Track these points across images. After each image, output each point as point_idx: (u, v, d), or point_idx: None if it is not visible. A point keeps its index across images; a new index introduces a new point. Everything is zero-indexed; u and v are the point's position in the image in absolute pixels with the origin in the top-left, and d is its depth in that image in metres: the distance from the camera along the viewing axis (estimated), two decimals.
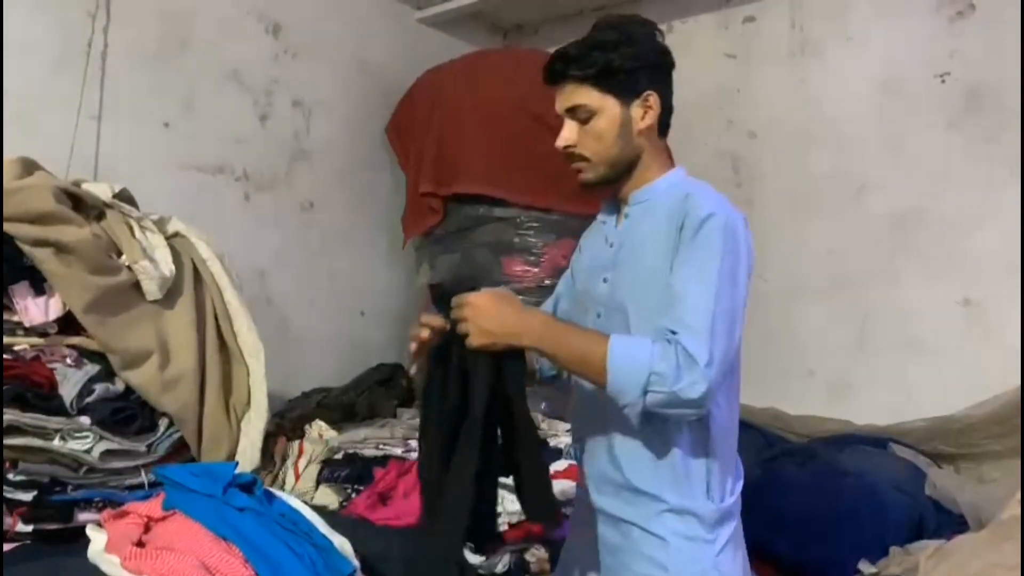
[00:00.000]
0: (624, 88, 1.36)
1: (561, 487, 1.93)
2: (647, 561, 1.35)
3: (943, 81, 2.82)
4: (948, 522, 2.32)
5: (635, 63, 1.36)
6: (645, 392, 1.22)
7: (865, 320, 2.92)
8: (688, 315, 1.25)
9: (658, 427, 1.33)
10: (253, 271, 2.91)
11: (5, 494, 1.66)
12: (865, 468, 2.50)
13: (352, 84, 3.33)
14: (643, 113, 1.37)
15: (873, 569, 2.15)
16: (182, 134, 2.76)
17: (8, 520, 1.66)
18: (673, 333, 1.24)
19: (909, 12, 2.89)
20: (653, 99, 1.38)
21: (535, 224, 2.96)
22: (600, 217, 1.54)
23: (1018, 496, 2.04)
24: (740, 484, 1.44)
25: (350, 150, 3.33)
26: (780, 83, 3.17)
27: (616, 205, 1.48)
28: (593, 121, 1.36)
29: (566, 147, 1.39)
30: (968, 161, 2.75)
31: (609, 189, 1.45)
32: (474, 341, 1.27)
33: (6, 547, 1.62)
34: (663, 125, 1.43)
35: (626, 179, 1.42)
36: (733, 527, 1.39)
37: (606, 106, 1.36)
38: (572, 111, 1.37)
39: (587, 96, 1.36)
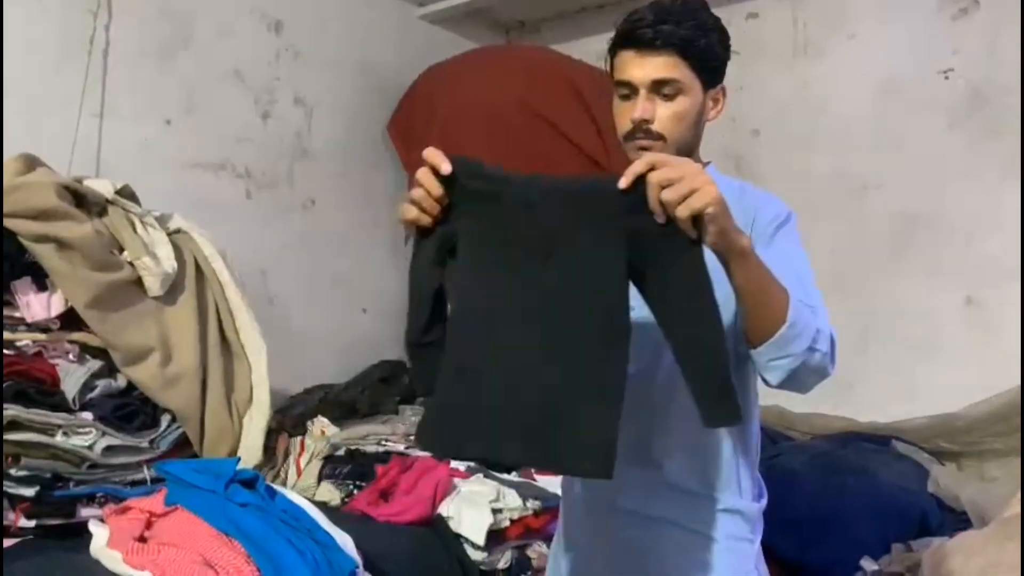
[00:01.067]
0: (711, 75, 1.29)
1: None
2: (689, 562, 1.28)
3: (946, 78, 2.81)
4: (951, 520, 2.32)
5: (725, 53, 1.31)
6: (811, 350, 1.12)
7: (868, 319, 2.92)
8: (812, 297, 1.19)
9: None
10: (255, 268, 2.91)
11: (7, 489, 1.67)
12: (867, 466, 2.50)
13: (354, 82, 3.32)
14: (714, 104, 1.32)
15: (875, 566, 2.14)
16: (184, 132, 2.76)
17: (11, 516, 1.66)
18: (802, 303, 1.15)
19: (912, 9, 2.88)
20: (724, 94, 1.33)
21: None
22: None
23: (1019, 494, 2.04)
24: None
25: (352, 148, 3.32)
26: (783, 81, 3.16)
27: None
28: (679, 99, 1.26)
29: (644, 120, 1.26)
30: (971, 160, 2.75)
31: None
32: (715, 196, 1.00)
33: (8, 543, 1.62)
34: None
35: None
36: (763, 527, 1.36)
37: (694, 87, 1.27)
38: (660, 84, 1.25)
39: (682, 72, 1.25)
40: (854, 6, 3.02)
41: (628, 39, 1.27)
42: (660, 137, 1.27)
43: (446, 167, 1.09)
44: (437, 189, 1.09)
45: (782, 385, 1.17)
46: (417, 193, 1.10)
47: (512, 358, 1.06)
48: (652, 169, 1.02)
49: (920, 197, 2.84)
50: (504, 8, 3.70)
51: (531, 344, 1.06)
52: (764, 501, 1.36)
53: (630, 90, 1.27)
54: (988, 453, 2.60)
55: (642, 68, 1.25)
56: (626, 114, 1.28)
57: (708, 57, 1.27)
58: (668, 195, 1.01)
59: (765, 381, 1.19)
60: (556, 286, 1.06)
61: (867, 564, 2.16)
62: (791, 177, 3.12)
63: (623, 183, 1.04)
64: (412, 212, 1.12)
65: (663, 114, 1.26)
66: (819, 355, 1.14)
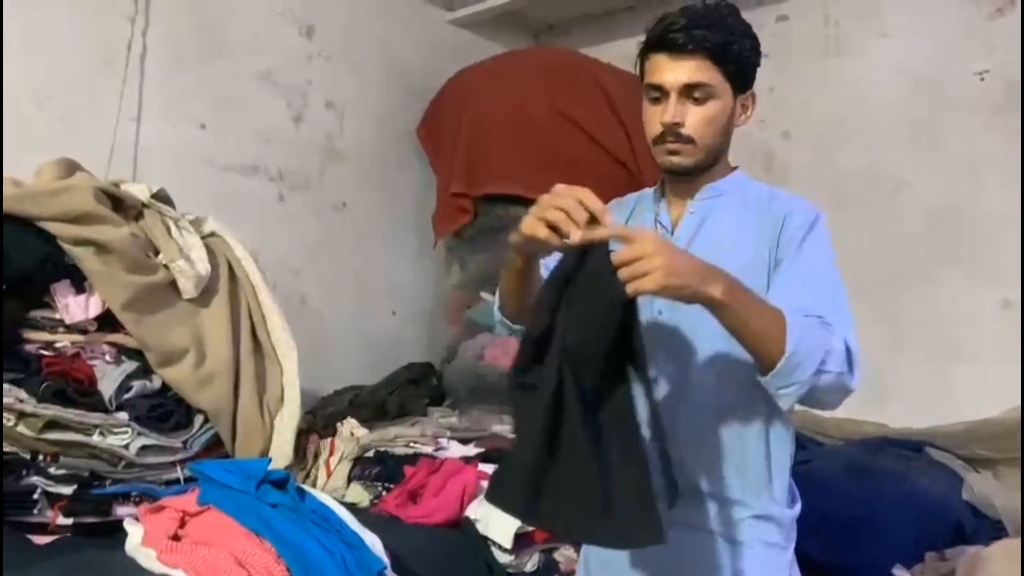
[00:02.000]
0: (742, 80, 1.30)
1: None
2: (722, 568, 1.29)
3: (982, 79, 2.76)
4: (986, 528, 2.27)
5: (756, 58, 1.31)
6: (820, 373, 1.13)
7: (901, 321, 2.87)
8: (833, 308, 1.19)
9: (755, 429, 1.29)
10: (287, 270, 2.95)
11: (47, 488, 1.71)
12: (901, 472, 2.46)
13: (384, 85, 3.35)
14: (744, 110, 1.33)
15: (908, 575, 2.11)
16: (218, 135, 2.81)
17: (48, 513, 1.70)
18: (821, 319, 1.16)
19: (946, 8, 2.84)
20: (753, 99, 1.34)
21: None
22: (641, 208, 1.43)
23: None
24: None
25: (382, 150, 3.35)
26: (814, 82, 3.13)
27: (658, 197, 1.41)
28: (710, 103, 1.27)
29: (675, 124, 1.27)
30: (1006, 159, 2.69)
31: (685, 179, 1.35)
32: (659, 282, 1.03)
33: (46, 540, 1.66)
34: None
35: (704, 171, 1.34)
36: (796, 532, 1.36)
37: (725, 92, 1.28)
38: (691, 87, 1.26)
39: (713, 76, 1.26)
40: (886, 5, 2.98)
41: (660, 42, 1.27)
42: (690, 140, 1.28)
43: (608, 224, 1.07)
44: (583, 220, 1.07)
45: (728, 422, 1.21)
46: (558, 216, 1.08)
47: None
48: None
49: (955, 198, 2.79)
50: (532, 11, 3.71)
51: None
52: (798, 507, 1.35)
53: (660, 93, 1.28)
54: None
55: (673, 72, 1.26)
56: (656, 117, 1.29)
57: (739, 62, 1.28)
58: (621, 274, 1.04)
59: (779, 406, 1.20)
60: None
61: (900, 572, 2.12)
62: (822, 177, 3.08)
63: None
64: (542, 231, 1.09)
65: (694, 118, 1.27)
66: (831, 376, 1.14)
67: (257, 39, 2.93)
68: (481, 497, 2.12)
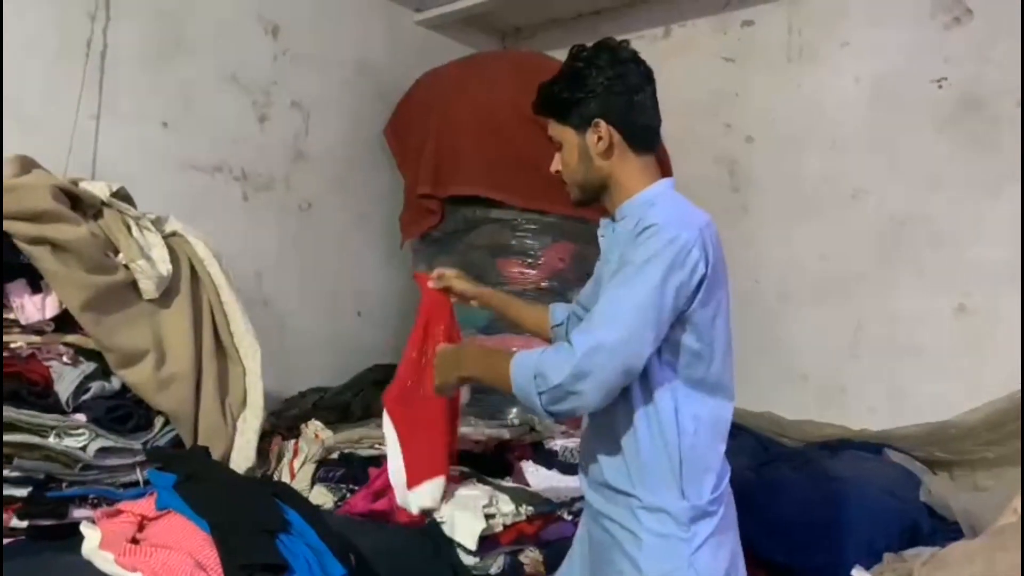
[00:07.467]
0: (576, 118, 1.46)
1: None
2: (623, 556, 1.41)
3: (940, 87, 2.83)
4: (943, 529, 2.32)
5: (580, 94, 1.45)
6: (539, 394, 1.31)
7: (859, 325, 2.93)
8: (592, 315, 1.34)
9: (627, 426, 1.40)
10: (251, 271, 2.91)
11: None
12: (859, 473, 2.49)
13: (351, 86, 3.34)
14: (596, 140, 1.45)
15: (867, 575, 2.15)
16: (181, 134, 2.77)
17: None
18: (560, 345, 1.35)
19: (905, 18, 2.89)
20: (603, 126, 1.45)
21: (532, 226, 2.96)
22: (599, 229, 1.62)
23: (1013, 504, 2.04)
24: (724, 483, 1.45)
25: (348, 151, 3.33)
26: (777, 87, 3.17)
27: (610, 217, 1.55)
28: (564, 149, 1.50)
29: (555, 172, 1.54)
30: (962, 167, 2.76)
31: (600, 205, 1.54)
32: (435, 385, 1.60)
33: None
34: (638, 142, 1.47)
35: (606, 197, 1.51)
36: (714, 524, 1.41)
37: (567, 136, 1.48)
38: (551, 140, 1.51)
39: (553, 128, 1.50)
40: (848, 13, 3.03)
41: None
42: (566, 181, 1.53)
43: None
44: None
45: (616, 418, 1.41)
46: None
47: None
48: None
49: (912, 203, 2.85)
50: (500, 14, 3.72)
51: None
52: (709, 498, 1.40)
53: None
54: (981, 462, 2.59)
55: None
56: None
57: (562, 107, 1.47)
58: None
59: None
60: None
61: (858, 572, 2.16)
62: (785, 183, 3.14)
63: None
64: None
65: (557, 164, 1.53)
66: (547, 395, 1.31)
67: (222, 37, 2.89)
68: (447, 499, 2.11)
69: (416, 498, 1.98)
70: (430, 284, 1.93)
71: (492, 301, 1.90)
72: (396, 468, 2.00)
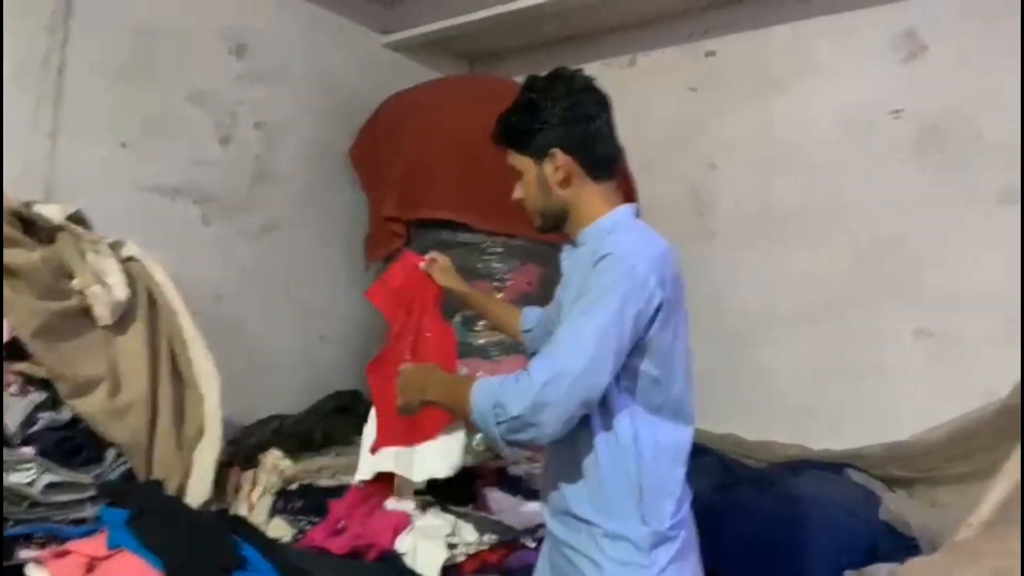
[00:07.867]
0: (533, 149, 1.47)
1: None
2: None
3: (897, 118, 2.89)
4: (901, 545, 2.34)
5: (536, 124, 1.46)
6: (498, 424, 1.30)
7: (824, 348, 2.96)
8: (552, 343, 1.33)
9: (587, 453, 1.40)
10: (211, 295, 2.85)
11: None
12: (821, 493, 2.52)
13: (316, 107, 3.30)
14: (554, 169, 1.46)
15: None
16: (140, 155, 2.71)
17: None
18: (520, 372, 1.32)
19: (865, 51, 2.96)
20: (560, 156, 1.45)
21: (499, 250, 2.95)
22: (562, 253, 1.62)
23: (968, 519, 2.07)
24: (684, 507, 1.45)
25: (313, 173, 3.30)
26: (742, 116, 3.22)
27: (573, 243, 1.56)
28: (524, 178, 1.51)
29: (518, 200, 1.54)
30: (923, 195, 2.81)
31: (562, 232, 1.55)
32: (399, 402, 1.52)
33: None
34: (596, 169, 1.48)
35: (567, 224, 1.51)
36: (675, 550, 1.40)
37: (526, 166, 1.49)
38: (512, 169, 1.52)
39: (512, 158, 1.51)
40: (810, 46, 3.09)
41: None
42: (528, 209, 1.54)
43: None
44: None
45: (577, 446, 1.41)
46: None
47: None
48: None
49: (874, 230, 2.90)
50: (468, 38, 3.71)
51: None
52: (669, 523, 1.40)
53: None
54: (940, 480, 2.62)
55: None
56: None
57: (516, 137, 1.49)
58: None
59: None
60: None
61: None
62: (750, 209, 3.17)
63: None
64: None
65: (519, 193, 1.53)
66: (504, 425, 1.30)
67: (185, 56, 2.85)
68: (409, 529, 2.08)
69: (420, 460, 2.08)
70: (421, 265, 1.99)
71: (472, 300, 1.99)
72: (367, 433, 2.09)
